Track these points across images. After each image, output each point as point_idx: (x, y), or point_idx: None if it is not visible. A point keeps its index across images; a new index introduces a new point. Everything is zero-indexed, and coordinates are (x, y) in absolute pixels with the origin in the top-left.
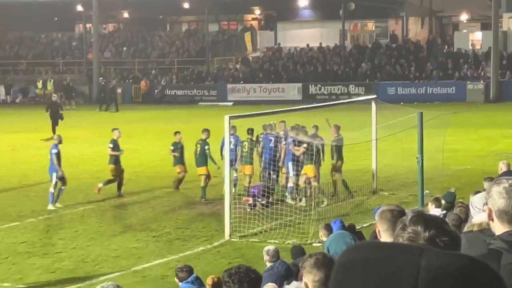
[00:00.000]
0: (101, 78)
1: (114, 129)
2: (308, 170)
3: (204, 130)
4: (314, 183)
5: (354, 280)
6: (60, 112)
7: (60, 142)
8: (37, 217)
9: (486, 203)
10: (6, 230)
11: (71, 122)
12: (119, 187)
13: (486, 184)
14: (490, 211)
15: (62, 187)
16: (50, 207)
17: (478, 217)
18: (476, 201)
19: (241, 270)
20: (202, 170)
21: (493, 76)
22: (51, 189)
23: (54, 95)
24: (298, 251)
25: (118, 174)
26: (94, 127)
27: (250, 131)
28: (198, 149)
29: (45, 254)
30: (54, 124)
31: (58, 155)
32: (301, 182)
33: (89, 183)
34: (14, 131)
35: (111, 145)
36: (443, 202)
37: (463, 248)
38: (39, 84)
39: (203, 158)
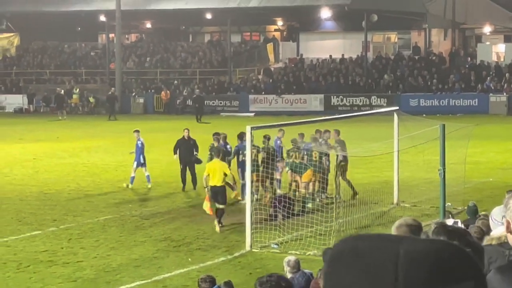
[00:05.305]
0: (197, 90)
1: None
2: (305, 175)
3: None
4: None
5: (343, 269)
6: (195, 153)
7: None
8: (59, 226)
9: (504, 216)
10: (28, 239)
11: (94, 131)
12: None
13: (508, 197)
14: (508, 223)
15: None
16: None
17: (497, 230)
18: (495, 214)
19: (272, 279)
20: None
21: None
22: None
23: (186, 129)
24: None
25: None
26: (116, 137)
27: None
28: None
29: (66, 263)
30: (187, 170)
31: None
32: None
33: (110, 192)
34: (36, 140)
35: None
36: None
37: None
38: (76, 90)
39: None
